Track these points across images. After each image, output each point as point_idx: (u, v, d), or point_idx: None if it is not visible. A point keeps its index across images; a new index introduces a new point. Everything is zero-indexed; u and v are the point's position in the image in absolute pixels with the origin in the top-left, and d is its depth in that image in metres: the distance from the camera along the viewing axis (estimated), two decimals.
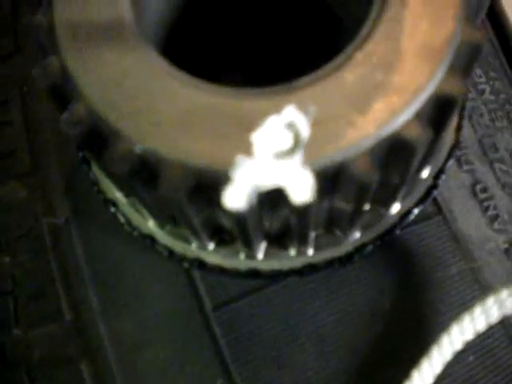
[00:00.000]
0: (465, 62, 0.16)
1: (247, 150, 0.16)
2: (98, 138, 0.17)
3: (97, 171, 0.22)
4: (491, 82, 0.25)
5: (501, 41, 0.25)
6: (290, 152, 0.15)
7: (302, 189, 0.15)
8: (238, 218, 0.17)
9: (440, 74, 0.16)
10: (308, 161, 0.15)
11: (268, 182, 0.15)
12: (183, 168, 0.16)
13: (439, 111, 0.16)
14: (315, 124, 0.16)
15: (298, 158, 0.15)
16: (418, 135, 0.16)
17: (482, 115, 0.24)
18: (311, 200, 0.15)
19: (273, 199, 0.16)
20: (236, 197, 0.15)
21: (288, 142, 0.16)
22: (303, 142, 0.15)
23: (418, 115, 0.16)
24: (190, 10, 0.20)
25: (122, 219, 0.22)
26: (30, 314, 0.24)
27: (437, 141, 0.17)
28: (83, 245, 0.23)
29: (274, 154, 0.15)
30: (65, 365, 0.23)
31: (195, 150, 0.16)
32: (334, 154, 0.15)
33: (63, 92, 0.17)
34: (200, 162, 0.16)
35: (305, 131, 0.16)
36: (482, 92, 0.24)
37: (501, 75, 0.25)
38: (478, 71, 0.25)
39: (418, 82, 0.16)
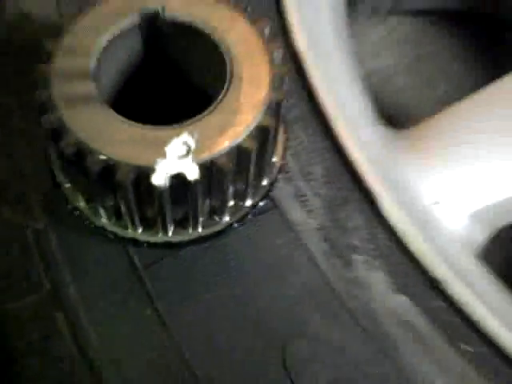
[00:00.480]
0: (274, 109, 0.32)
1: (163, 155, 0.30)
2: (80, 155, 0.30)
3: (67, 189, 0.35)
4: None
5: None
6: (186, 155, 0.30)
7: (192, 173, 0.30)
8: (160, 199, 0.31)
9: (260, 116, 0.31)
10: (194, 159, 0.30)
11: (174, 171, 0.30)
12: (128, 166, 0.30)
13: (261, 134, 0.31)
14: (197, 141, 0.30)
15: (189, 158, 0.30)
16: (250, 146, 0.31)
17: (301, 152, 0.40)
18: (197, 178, 0.30)
19: (178, 185, 0.30)
20: (158, 179, 0.30)
21: (184, 151, 0.30)
22: (192, 150, 0.30)
23: (250, 136, 0.31)
24: (128, 83, 0.35)
25: (84, 219, 0.35)
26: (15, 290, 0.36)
27: (263, 152, 0.32)
28: (58, 240, 0.36)
29: (177, 157, 0.30)
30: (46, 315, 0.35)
31: (134, 157, 0.30)
32: (208, 155, 0.30)
33: (59, 132, 0.31)
34: (137, 162, 0.30)
35: (192, 145, 0.30)
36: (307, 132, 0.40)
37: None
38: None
39: (249, 120, 0.31)
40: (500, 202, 0.48)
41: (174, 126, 0.31)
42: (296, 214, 0.37)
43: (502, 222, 0.50)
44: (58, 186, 0.35)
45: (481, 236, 0.49)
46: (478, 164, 0.48)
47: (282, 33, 0.48)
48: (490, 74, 0.58)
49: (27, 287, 0.35)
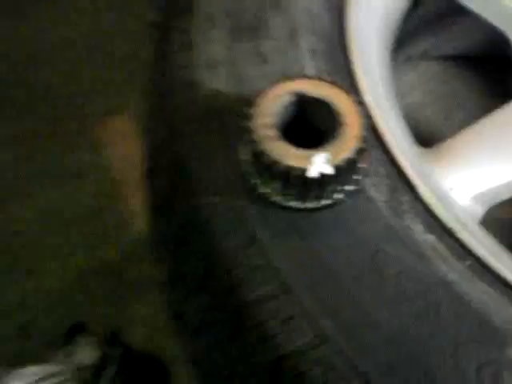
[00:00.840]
0: (363, 139, 0.65)
1: (313, 162, 0.64)
2: (272, 164, 0.64)
3: (257, 183, 0.69)
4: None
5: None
6: (324, 162, 0.63)
7: (328, 171, 0.63)
8: (309, 185, 0.64)
9: (358, 143, 0.64)
10: (329, 164, 0.63)
11: (319, 170, 0.63)
12: (297, 169, 0.63)
13: (358, 152, 0.65)
14: (329, 155, 0.64)
15: (327, 163, 0.63)
16: (354, 157, 0.64)
17: (373, 161, 0.73)
18: (330, 173, 0.63)
19: (319, 178, 0.63)
20: (311, 174, 0.63)
21: (323, 159, 0.64)
22: (328, 159, 0.64)
23: (354, 152, 0.64)
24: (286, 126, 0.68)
25: (266, 198, 0.69)
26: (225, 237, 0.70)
27: (358, 161, 0.66)
28: (255, 210, 0.69)
29: (320, 163, 0.63)
30: (245, 249, 0.69)
31: (299, 163, 0.63)
32: (335, 162, 0.64)
33: (260, 154, 0.64)
34: (301, 166, 0.63)
35: (328, 157, 0.64)
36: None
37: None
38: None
39: (352, 145, 0.64)
40: (491, 189, 0.81)
41: (316, 148, 0.64)
42: (373, 193, 0.71)
43: (492, 202, 0.83)
44: (247, 180, 0.69)
45: (480, 210, 0.82)
46: (477, 167, 0.81)
47: (355, 90, 0.81)
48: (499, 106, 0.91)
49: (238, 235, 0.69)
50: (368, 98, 0.77)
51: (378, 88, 0.84)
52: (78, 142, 1.25)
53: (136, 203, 1.20)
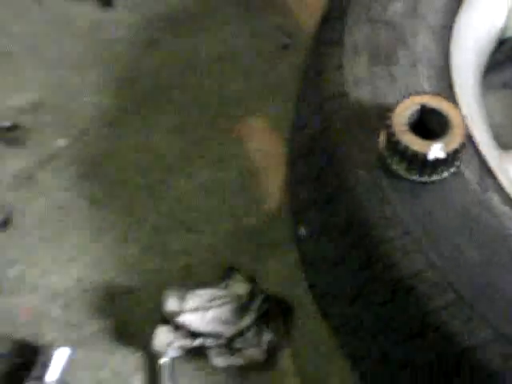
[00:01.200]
0: (465, 136, 0.98)
1: (432, 149, 0.97)
2: (404, 150, 0.97)
3: (392, 162, 1.03)
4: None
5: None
6: (440, 150, 0.97)
7: (442, 155, 0.96)
8: (428, 165, 0.97)
9: (462, 139, 0.98)
10: (444, 151, 0.97)
11: (436, 154, 0.97)
12: (420, 154, 0.97)
13: (462, 146, 0.98)
14: (443, 145, 0.97)
15: (442, 150, 0.97)
16: (460, 148, 0.97)
17: (465, 153, 1.06)
18: (443, 157, 0.97)
19: (435, 160, 0.97)
20: (430, 157, 0.96)
21: (439, 148, 0.97)
22: (443, 149, 0.97)
23: (459, 145, 0.97)
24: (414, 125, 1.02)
25: (393, 172, 1.03)
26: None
27: (460, 151, 0.99)
28: (387, 181, 1.03)
29: (437, 150, 0.97)
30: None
31: (422, 149, 0.97)
32: (446, 151, 0.97)
33: (397, 143, 0.98)
34: (424, 152, 0.97)
35: (443, 146, 0.97)
36: None
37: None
38: None
39: (459, 140, 0.98)
40: None
41: (433, 140, 0.98)
42: (468, 175, 1.04)
43: None
44: (383, 159, 1.03)
45: None
46: None
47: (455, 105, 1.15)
48: None
49: (374, 196, 1.03)
50: (464, 110, 1.11)
51: (471, 104, 1.18)
52: (225, 135, 1.62)
53: (269, 186, 1.56)
